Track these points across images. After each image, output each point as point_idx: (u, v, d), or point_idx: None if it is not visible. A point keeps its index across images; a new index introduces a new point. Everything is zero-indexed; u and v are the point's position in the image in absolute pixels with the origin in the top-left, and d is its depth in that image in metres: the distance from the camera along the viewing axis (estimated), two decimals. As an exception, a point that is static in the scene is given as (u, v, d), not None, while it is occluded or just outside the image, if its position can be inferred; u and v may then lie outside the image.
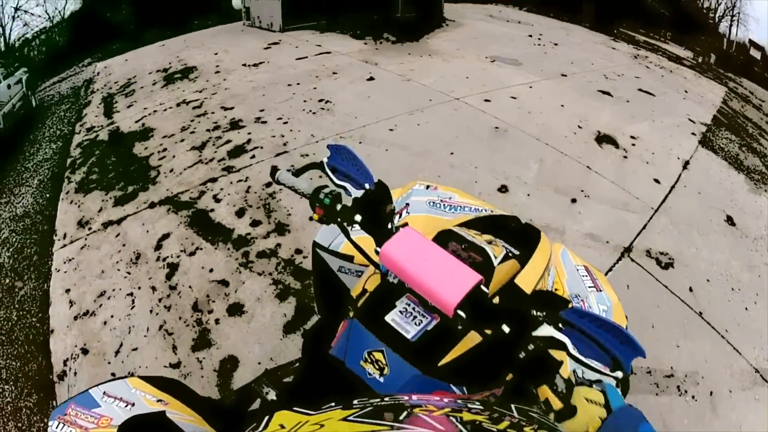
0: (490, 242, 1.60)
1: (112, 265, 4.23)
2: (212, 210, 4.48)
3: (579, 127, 6.18)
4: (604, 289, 2.01)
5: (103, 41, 13.73)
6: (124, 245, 4.39)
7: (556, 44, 10.69)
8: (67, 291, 4.18)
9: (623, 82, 8.58)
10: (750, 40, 25.16)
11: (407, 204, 2.06)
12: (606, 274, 4.03)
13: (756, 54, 21.93)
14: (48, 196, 5.86)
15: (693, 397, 3.44)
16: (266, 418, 0.80)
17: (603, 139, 6.01)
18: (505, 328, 1.10)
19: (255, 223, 4.24)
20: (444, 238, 1.53)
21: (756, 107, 11.10)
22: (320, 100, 6.57)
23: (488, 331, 1.14)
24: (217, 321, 3.56)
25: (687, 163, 5.94)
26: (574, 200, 4.84)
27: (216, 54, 9.82)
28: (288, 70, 8.11)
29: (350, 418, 0.75)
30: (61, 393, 3.51)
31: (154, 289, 3.89)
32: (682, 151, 6.20)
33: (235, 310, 3.59)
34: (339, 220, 1.38)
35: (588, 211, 4.73)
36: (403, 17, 11.85)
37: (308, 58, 8.79)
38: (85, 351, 3.67)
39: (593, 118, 6.53)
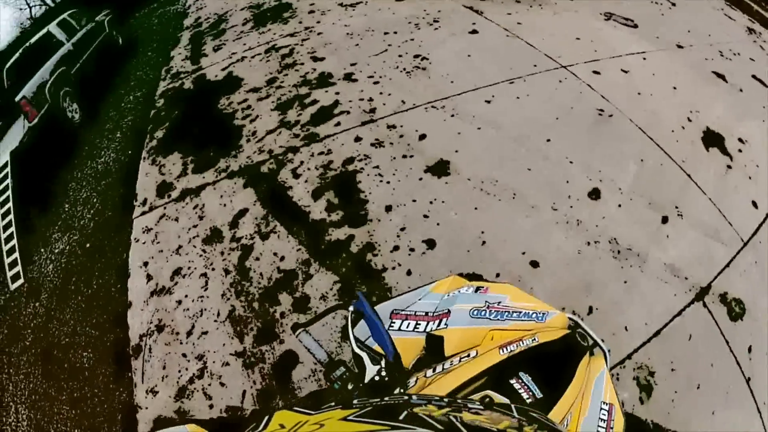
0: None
1: (189, 240, 4.61)
2: (290, 187, 4.71)
3: (689, 120, 5.76)
4: None
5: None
6: (201, 218, 4.74)
7: (673, 4, 9.84)
8: (145, 264, 4.61)
9: (738, 64, 7.77)
10: None
11: (448, 311, 2.12)
12: (672, 319, 4.03)
13: None
14: (130, 152, 6.32)
15: None
16: (266, 417, 0.86)
17: (711, 139, 5.57)
18: None
19: (330, 208, 4.44)
20: None
21: None
22: (416, 56, 6.54)
23: None
24: (282, 315, 3.84)
25: (787, 184, 5.48)
26: (665, 219, 4.64)
27: (314, -12, 9.85)
28: (386, 13, 8.06)
29: (350, 417, 0.79)
30: (137, 367, 3.95)
31: (227, 271, 4.23)
32: (786, 167, 5.71)
33: (301, 305, 3.84)
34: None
35: (677, 235, 4.62)
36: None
37: (408, 0, 8.66)
38: (160, 328, 4.09)
39: (705, 108, 6.06)
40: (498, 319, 2.08)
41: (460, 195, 4.51)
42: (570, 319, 2.21)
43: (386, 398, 0.96)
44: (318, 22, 8.08)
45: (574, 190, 4.65)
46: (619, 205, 4.62)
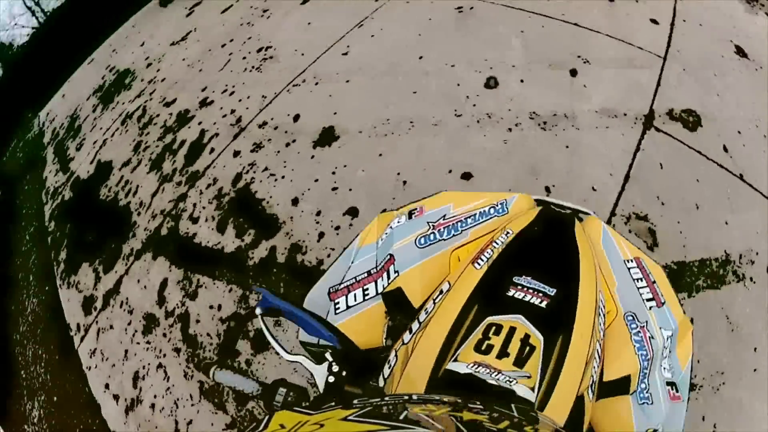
0: (519, 361, 1.24)
1: (131, 339, 4.12)
2: (195, 234, 4.22)
3: (545, -25, 5.39)
4: (665, 298, 1.67)
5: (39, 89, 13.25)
6: (131, 312, 4.25)
7: None
8: (107, 386, 4.13)
9: None
10: None
11: (391, 256, 1.67)
12: (635, 156, 3.76)
13: None
14: (47, 288, 5.76)
15: (751, 279, 3.35)
16: (266, 417, 0.80)
17: (577, -18, 5.24)
18: None
19: (240, 232, 3.96)
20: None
21: None
22: (260, 50, 6.03)
23: None
24: (248, 362, 3.40)
25: (677, -11, 5.19)
26: (574, 72, 4.30)
27: (142, 44, 9.21)
28: (217, 29, 7.45)
29: (350, 417, 0.75)
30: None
31: (177, 350, 3.76)
32: (666, -26, 5.40)
33: (260, 344, 3.41)
34: None
35: (593, 81, 4.26)
36: None
37: (234, 6, 7.96)
38: (150, 442, 3.63)
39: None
40: (453, 235, 1.70)
41: (359, 150, 4.10)
42: (536, 200, 1.86)
43: (386, 398, 0.88)
44: (158, 70, 7.48)
45: (470, 89, 4.28)
46: (522, 81, 4.27)
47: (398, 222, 1.77)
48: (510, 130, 3.93)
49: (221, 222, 4.11)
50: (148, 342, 3.95)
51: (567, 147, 3.80)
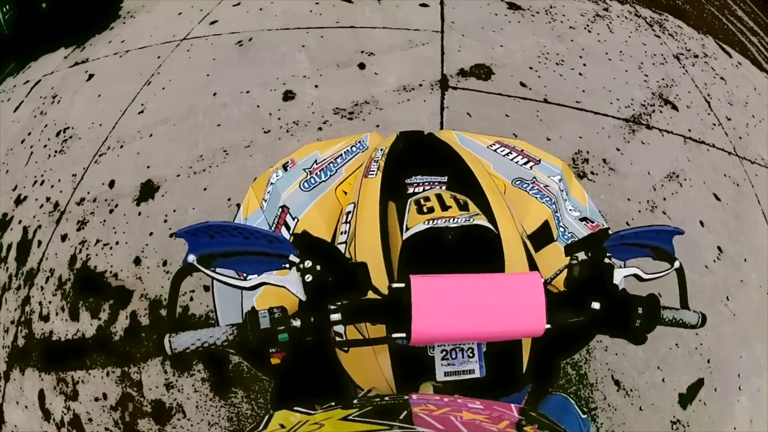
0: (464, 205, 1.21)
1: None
2: (50, 333, 3.54)
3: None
4: (539, 156, 1.70)
5: None
6: (23, 438, 3.51)
7: None
8: None
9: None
10: None
11: (286, 207, 1.53)
12: (442, 114, 3.90)
13: None
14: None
15: (592, 172, 3.61)
16: (266, 417, 0.73)
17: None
18: (596, 305, 0.93)
19: (95, 312, 3.36)
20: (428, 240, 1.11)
21: None
22: (58, 133, 5.31)
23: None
24: None
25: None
26: (362, 66, 4.41)
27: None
28: (13, 128, 6.26)
29: (350, 417, 0.68)
30: None
31: (80, 457, 3.14)
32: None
33: (160, 415, 2.92)
34: (309, 339, 0.91)
35: (382, 67, 4.39)
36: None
37: (24, 101, 6.83)
38: None
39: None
40: (331, 175, 1.66)
41: (183, 192, 3.73)
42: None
43: (386, 398, 0.80)
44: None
45: (270, 107, 4.17)
46: (316, 86, 4.26)
47: (277, 176, 1.66)
48: (320, 128, 3.89)
49: (72, 309, 3.49)
50: (41, 464, 3.29)
51: (378, 126, 3.81)
